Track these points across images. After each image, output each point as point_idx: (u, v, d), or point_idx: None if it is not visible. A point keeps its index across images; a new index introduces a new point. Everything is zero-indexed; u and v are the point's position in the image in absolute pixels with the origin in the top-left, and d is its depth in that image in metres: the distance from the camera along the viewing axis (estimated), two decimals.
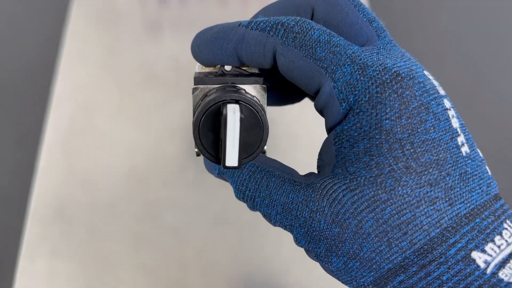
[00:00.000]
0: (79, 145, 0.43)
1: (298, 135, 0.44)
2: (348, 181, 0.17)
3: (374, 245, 0.16)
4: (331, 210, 0.17)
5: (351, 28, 0.19)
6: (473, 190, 0.17)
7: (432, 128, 0.17)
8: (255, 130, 0.18)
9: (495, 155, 0.45)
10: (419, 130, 0.16)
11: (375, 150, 0.17)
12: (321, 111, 0.19)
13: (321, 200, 0.17)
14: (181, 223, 0.40)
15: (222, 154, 0.18)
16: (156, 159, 0.43)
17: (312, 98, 0.24)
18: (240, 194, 0.19)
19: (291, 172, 0.19)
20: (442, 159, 0.16)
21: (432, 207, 0.16)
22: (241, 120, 0.17)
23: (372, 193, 0.16)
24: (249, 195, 0.19)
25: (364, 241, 0.16)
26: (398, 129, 0.16)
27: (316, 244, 0.17)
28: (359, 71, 0.17)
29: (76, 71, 0.48)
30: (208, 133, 0.18)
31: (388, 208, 0.16)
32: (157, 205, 0.41)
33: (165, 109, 0.45)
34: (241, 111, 0.17)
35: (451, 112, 0.17)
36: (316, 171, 0.19)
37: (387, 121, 0.16)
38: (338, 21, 0.19)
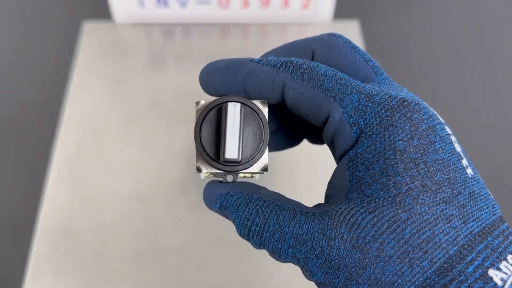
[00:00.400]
0: (86, 169, 0.45)
1: (297, 161, 0.46)
2: (365, 204, 0.17)
3: (396, 267, 0.16)
4: (351, 235, 0.16)
5: (350, 67, 0.20)
6: (482, 209, 0.17)
7: (440, 149, 0.17)
8: (256, 132, 0.19)
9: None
10: (429, 150, 0.17)
11: (391, 170, 0.17)
12: (330, 139, 0.19)
13: (339, 227, 0.17)
14: (183, 244, 0.42)
15: (222, 146, 0.18)
16: (159, 182, 0.44)
17: (311, 138, 0.25)
18: (245, 230, 0.19)
19: (299, 204, 0.19)
20: (452, 178, 0.17)
21: (448, 225, 0.16)
22: (242, 113, 0.18)
23: (392, 213, 0.16)
24: (256, 231, 0.18)
25: (386, 264, 0.16)
26: (411, 149, 0.17)
27: (335, 274, 0.17)
28: (366, 99, 0.18)
29: (84, 99, 0.50)
30: (209, 136, 0.19)
31: (409, 227, 0.16)
32: (160, 226, 0.42)
33: (169, 134, 0.48)
34: (242, 109, 0.18)
35: (453, 138, 0.18)
36: (323, 202, 0.19)
37: (400, 142, 0.17)
38: (337, 61, 0.20)
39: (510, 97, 0.54)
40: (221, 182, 0.21)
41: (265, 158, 0.20)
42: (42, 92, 0.52)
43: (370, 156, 0.17)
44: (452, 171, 0.17)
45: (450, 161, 0.17)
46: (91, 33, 0.56)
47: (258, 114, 0.20)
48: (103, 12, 0.57)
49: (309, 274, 0.18)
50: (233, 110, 0.19)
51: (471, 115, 0.54)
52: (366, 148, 0.17)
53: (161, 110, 0.49)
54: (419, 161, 0.17)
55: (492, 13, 0.62)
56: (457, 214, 0.16)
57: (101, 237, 0.42)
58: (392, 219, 0.16)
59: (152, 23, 0.57)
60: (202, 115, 0.19)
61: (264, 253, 0.20)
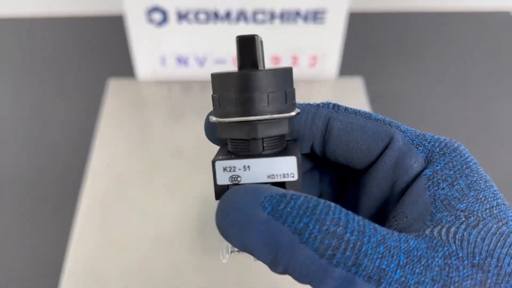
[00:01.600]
0: (112, 214, 0.48)
1: None
2: (464, 219, 0.15)
3: None
4: (465, 252, 0.14)
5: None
6: None
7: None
8: None
9: None
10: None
11: (476, 185, 0.16)
12: (393, 165, 0.17)
13: (448, 245, 0.14)
14: (205, 285, 0.44)
15: None
16: (181, 226, 0.47)
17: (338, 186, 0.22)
18: (334, 240, 0.13)
19: None
20: None
21: None
22: None
23: (495, 225, 0.15)
24: (351, 241, 0.13)
25: (507, 285, 0.14)
26: (481, 172, 0.17)
27: None
28: (419, 132, 0.18)
29: (110, 149, 0.54)
30: None
31: None
32: (182, 269, 0.44)
33: (189, 180, 0.51)
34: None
35: None
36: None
37: (471, 163, 0.17)
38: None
39: (510, 151, 0.57)
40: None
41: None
42: (71, 143, 0.55)
43: (451, 172, 0.16)
44: None
45: None
46: (116, 89, 0.61)
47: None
48: (127, 71, 0.62)
49: None
50: None
51: None
52: (445, 165, 0.17)
53: (182, 158, 0.53)
54: (491, 182, 0.17)
55: (491, 72, 0.67)
56: None
57: (126, 279, 0.44)
58: (498, 232, 0.15)
59: (172, 81, 0.62)
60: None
61: None
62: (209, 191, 0.50)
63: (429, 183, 0.16)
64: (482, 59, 0.68)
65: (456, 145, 0.17)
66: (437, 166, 0.17)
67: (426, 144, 0.17)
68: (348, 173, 0.21)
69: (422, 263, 0.14)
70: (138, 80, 0.62)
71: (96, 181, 0.51)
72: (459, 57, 0.68)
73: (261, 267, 0.16)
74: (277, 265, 0.14)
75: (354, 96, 0.60)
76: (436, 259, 0.14)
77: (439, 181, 0.16)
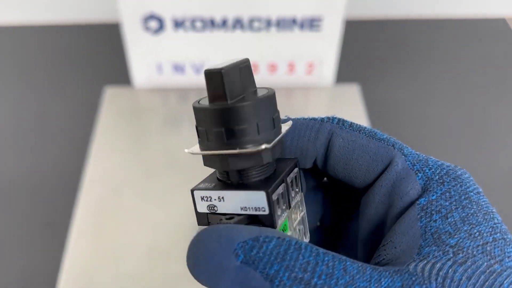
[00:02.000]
0: (107, 223, 0.48)
1: None
2: (451, 256, 0.14)
3: None
4: None
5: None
6: None
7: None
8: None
9: None
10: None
11: (472, 218, 0.15)
12: (390, 188, 0.17)
13: (428, 282, 0.14)
14: None
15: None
16: (176, 235, 0.47)
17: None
18: (301, 286, 0.13)
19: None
20: None
21: None
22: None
23: (486, 263, 0.14)
24: (319, 285, 0.13)
25: None
26: (483, 203, 0.16)
27: None
28: (423, 154, 0.17)
29: (105, 158, 0.54)
30: None
31: (505, 281, 0.14)
32: (177, 278, 0.44)
33: (185, 190, 0.50)
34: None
35: None
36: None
37: (472, 194, 0.16)
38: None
39: (505, 160, 0.57)
40: (229, 221, 0.17)
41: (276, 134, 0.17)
42: (67, 151, 0.55)
43: (447, 203, 0.16)
44: None
45: None
46: (112, 97, 0.61)
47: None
48: (123, 79, 0.62)
49: None
50: None
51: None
52: (441, 195, 0.16)
53: (178, 167, 0.53)
54: (492, 215, 0.16)
55: (488, 79, 0.67)
56: None
57: None
58: (488, 271, 0.14)
59: (169, 89, 0.62)
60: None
61: None
62: None
63: (422, 214, 0.16)
64: (478, 66, 0.68)
65: (459, 173, 0.17)
66: (433, 195, 0.16)
67: (427, 171, 0.17)
68: (350, 192, 0.21)
69: None
70: (135, 88, 0.62)
71: (92, 189, 0.50)
72: (455, 64, 0.68)
73: None
74: None
75: (351, 103, 0.60)
76: None
77: (433, 212, 0.16)
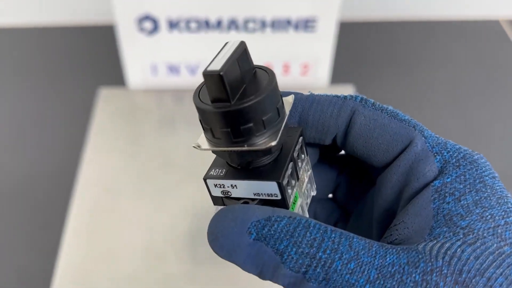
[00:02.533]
0: (102, 225, 0.47)
1: None
2: (462, 236, 0.15)
3: None
4: (451, 269, 0.14)
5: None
6: None
7: None
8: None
9: None
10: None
11: (485, 202, 0.16)
12: (408, 168, 0.17)
13: (434, 260, 0.14)
14: None
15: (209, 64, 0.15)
16: (172, 236, 0.47)
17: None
18: (306, 259, 0.14)
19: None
20: None
21: None
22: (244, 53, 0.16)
23: (496, 245, 0.14)
24: (323, 259, 0.14)
25: None
26: (498, 188, 0.16)
27: None
28: (441, 140, 0.18)
29: (100, 159, 0.53)
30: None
31: None
32: (173, 279, 0.44)
33: (179, 190, 0.50)
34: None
35: None
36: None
37: (487, 178, 0.16)
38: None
39: (499, 161, 0.57)
40: (245, 203, 0.17)
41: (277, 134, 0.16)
42: (61, 152, 0.55)
43: (461, 186, 0.16)
44: None
45: None
46: (106, 98, 0.60)
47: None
48: (118, 80, 0.62)
49: None
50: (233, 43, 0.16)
51: None
52: (456, 178, 0.16)
53: (173, 168, 0.53)
54: (507, 199, 0.16)
55: (481, 81, 0.67)
56: None
57: None
58: (497, 252, 0.14)
59: (163, 90, 0.62)
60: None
61: None
62: (199, 202, 0.49)
63: (436, 196, 0.16)
64: (472, 67, 0.69)
65: (476, 157, 0.17)
66: (448, 178, 0.16)
67: (445, 154, 0.17)
68: (365, 171, 0.21)
69: (395, 278, 0.14)
70: (129, 88, 0.62)
71: (87, 190, 0.50)
72: (449, 66, 0.69)
73: (253, 277, 0.16)
74: (264, 277, 0.16)
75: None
76: (413, 275, 0.14)
77: (446, 194, 0.16)
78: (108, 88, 0.62)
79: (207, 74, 0.15)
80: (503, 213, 0.15)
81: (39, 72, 0.65)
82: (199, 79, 0.61)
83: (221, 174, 0.18)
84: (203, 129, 0.17)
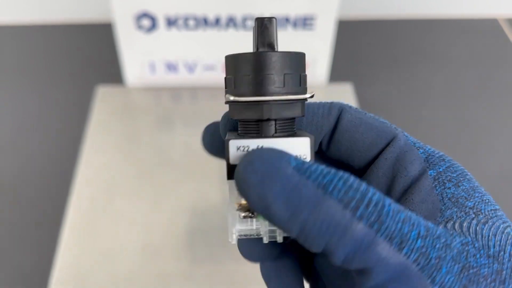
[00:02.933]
0: (99, 223, 0.47)
1: None
2: (473, 216, 0.15)
3: None
4: (480, 244, 0.14)
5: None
6: None
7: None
8: None
9: None
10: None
11: (479, 189, 0.17)
12: (394, 161, 0.18)
13: (464, 236, 0.15)
14: None
15: None
16: (169, 234, 0.47)
17: None
18: (358, 194, 0.13)
19: None
20: None
21: None
22: None
23: (503, 225, 0.15)
24: (375, 200, 0.13)
25: None
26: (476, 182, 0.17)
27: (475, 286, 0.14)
28: (419, 142, 0.19)
29: (97, 157, 0.53)
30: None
31: None
32: (171, 278, 0.44)
33: (177, 189, 0.50)
34: None
35: None
36: None
37: (468, 173, 0.17)
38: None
39: (496, 160, 0.57)
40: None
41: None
42: (59, 151, 0.55)
43: (455, 175, 0.17)
44: None
45: None
46: (104, 96, 0.60)
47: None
48: (116, 78, 0.62)
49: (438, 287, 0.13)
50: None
51: None
52: (447, 169, 0.17)
53: (170, 167, 0.52)
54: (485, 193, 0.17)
55: (479, 80, 0.67)
56: None
57: None
58: (505, 232, 0.15)
59: (162, 88, 0.61)
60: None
61: None
62: (197, 200, 0.49)
63: (436, 183, 0.17)
64: (470, 65, 0.69)
65: (448, 158, 0.18)
66: (440, 168, 0.17)
67: (427, 149, 0.18)
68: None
69: (442, 240, 0.14)
70: (127, 86, 0.61)
71: (84, 188, 0.50)
72: (448, 64, 0.69)
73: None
74: (294, 222, 0.13)
75: (344, 101, 0.60)
76: (455, 243, 0.14)
77: (445, 181, 0.17)
78: (106, 86, 0.61)
79: (261, 18, 0.16)
80: (493, 201, 0.16)
81: (37, 70, 0.65)
82: (197, 77, 0.60)
83: (245, 136, 0.17)
84: (235, 85, 0.17)
